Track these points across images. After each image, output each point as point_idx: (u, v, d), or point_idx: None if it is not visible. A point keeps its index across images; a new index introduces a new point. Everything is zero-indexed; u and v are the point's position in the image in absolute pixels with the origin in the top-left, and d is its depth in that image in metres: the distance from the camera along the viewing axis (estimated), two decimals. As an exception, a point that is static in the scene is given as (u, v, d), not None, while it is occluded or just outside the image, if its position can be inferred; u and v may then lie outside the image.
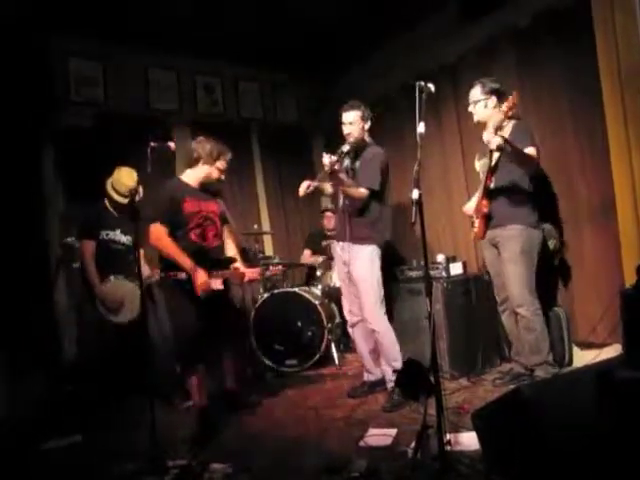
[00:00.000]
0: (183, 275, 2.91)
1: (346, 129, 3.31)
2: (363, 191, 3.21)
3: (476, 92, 3.23)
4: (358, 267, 3.30)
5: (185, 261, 2.91)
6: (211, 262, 3.04)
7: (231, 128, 5.41)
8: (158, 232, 2.96)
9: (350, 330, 3.56)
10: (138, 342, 3.53)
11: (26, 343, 3.63)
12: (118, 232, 3.73)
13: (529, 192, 3.18)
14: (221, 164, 3.17)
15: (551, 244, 3.38)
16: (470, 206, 3.36)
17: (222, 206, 3.31)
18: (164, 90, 5.04)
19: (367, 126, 3.35)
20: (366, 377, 3.54)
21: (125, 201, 3.66)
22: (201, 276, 2.91)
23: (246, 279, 3.25)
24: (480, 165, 3.33)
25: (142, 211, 3.04)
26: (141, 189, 3.50)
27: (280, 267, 3.95)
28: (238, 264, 3.25)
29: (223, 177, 3.21)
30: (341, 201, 3.42)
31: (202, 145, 3.17)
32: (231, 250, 3.36)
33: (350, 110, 3.31)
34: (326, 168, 3.04)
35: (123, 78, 4.78)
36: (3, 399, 3.41)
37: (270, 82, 5.78)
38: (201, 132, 5.12)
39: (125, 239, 3.75)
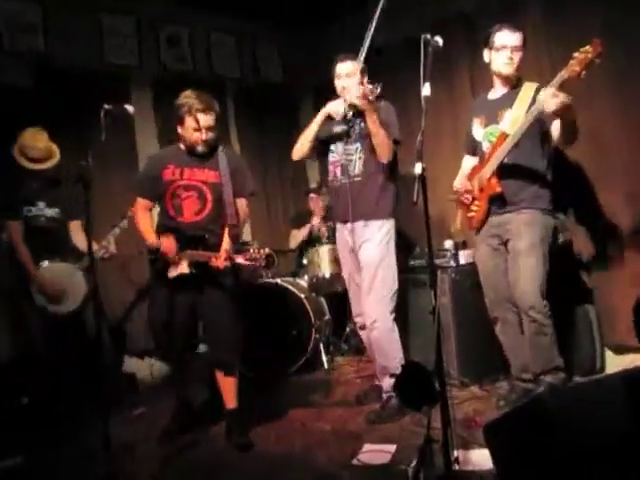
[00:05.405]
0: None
1: (343, 82, 3.26)
2: (390, 142, 3.20)
3: (518, 38, 3.05)
4: (370, 249, 3.28)
5: None
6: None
7: (202, 88, 5.31)
8: None
9: (361, 333, 3.58)
10: (82, 337, 3.55)
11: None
12: (42, 205, 3.68)
13: (547, 172, 3.14)
14: None
15: (562, 237, 3.37)
16: (465, 182, 3.27)
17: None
18: (120, 40, 4.94)
19: (365, 81, 3.30)
20: (378, 383, 3.54)
21: (42, 167, 3.64)
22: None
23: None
24: (487, 133, 3.21)
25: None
26: (57, 151, 3.59)
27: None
28: None
29: None
30: (339, 173, 3.36)
31: None
32: None
33: (347, 60, 3.27)
34: (371, 97, 2.99)
35: (69, 25, 4.66)
36: None
37: (249, 33, 5.72)
38: (165, 92, 5.14)
39: (52, 212, 3.71)
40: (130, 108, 2.96)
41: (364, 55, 3.00)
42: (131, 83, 4.96)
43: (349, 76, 3.24)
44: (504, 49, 3.05)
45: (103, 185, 4.51)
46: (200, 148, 3.13)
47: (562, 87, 2.69)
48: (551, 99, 2.66)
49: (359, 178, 3.31)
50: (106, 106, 2.79)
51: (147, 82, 5.09)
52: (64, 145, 3.81)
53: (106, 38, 4.87)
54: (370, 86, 3.08)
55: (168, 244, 3.04)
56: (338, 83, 3.31)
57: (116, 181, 4.82)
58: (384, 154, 3.22)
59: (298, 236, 5.16)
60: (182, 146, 3.21)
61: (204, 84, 5.34)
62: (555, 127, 2.92)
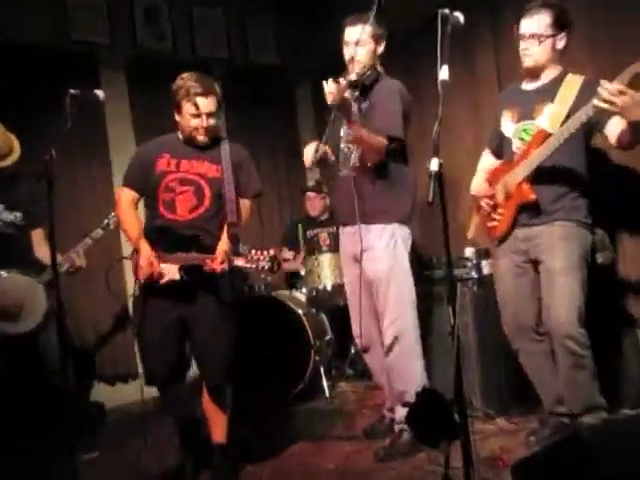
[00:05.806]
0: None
1: (350, 50, 3.17)
2: (382, 140, 3.11)
3: (542, 21, 2.98)
4: (375, 260, 3.26)
5: None
6: None
7: (184, 71, 5.34)
8: None
9: (364, 355, 3.58)
10: (41, 360, 3.55)
11: None
12: (0, 208, 3.69)
13: (585, 180, 3.08)
14: None
15: (601, 257, 3.34)
16: (485, 187, 3.23)
17: None
18: (89, 15, 4.96)
19: (380, 50, 3.24)
20: (386, 414, 3.54)
21: (2, 164, 3.62)
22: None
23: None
24: (518, 129, 3.15)
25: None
26: (17, 145, 3.59)
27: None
28: None
29: None
30: (341, 160, 3.37)
31: None
32: None
33: (357, 23, 3.13)
34: (332, 98, 2.88)
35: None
36: None
37: (238, 8, 5.74)
38: (140, 75, 5.14)
39: (11, 216, 3.70)
40: (100, 93, 2.95)
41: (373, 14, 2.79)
42: (100, 65, 4.97)
43: (358, 44, 3.09)
44: (522, 39, 3.03)
45: (69, 184, 4.53)
46: (201, 137, 3.09)
47: (631, 83, 2.57)
48: (617, 96, 2.53)
49: (355, 173, 3.28)
50: (72, 91, 2.78)
51: (120, 64, 5.10)
52: (22, 136, 3.77)
53: (71, 12, 4.88)
54: (343, 83, 2.90)
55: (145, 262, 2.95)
56: (346, 52, 3.22)
57: (84, 179, 4.83)
58: (368, 159, 3.20)
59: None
60: (180, 136, 3.18)
61: (186, 66, 5.37)
62: (614, 126, 2.82)
